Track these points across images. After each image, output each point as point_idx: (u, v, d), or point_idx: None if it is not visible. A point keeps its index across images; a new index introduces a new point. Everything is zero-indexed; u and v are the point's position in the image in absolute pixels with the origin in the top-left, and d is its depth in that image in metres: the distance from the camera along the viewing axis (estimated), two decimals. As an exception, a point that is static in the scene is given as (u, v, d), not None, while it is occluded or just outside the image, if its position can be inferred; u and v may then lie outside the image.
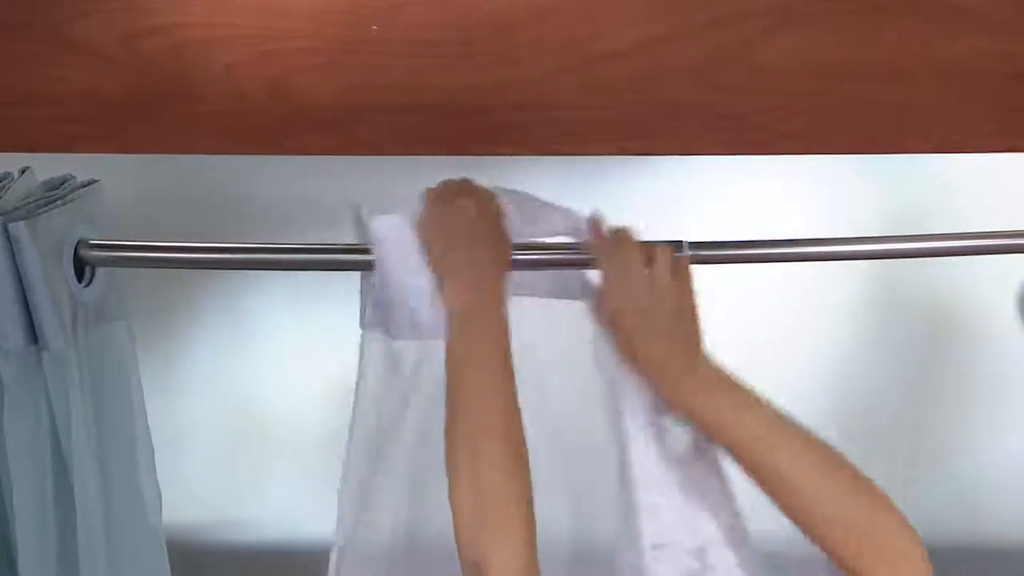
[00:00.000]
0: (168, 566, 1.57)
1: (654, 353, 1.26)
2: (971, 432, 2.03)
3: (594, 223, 1.33)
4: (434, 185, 1.36)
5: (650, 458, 1.32)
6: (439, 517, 1.26)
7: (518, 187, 1.52)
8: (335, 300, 1.56)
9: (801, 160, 1.48)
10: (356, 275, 1.50)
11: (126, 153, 1.48)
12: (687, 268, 1.29)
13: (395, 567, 1.42)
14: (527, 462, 1.22)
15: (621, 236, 1.31)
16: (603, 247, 1.31)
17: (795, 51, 1.41)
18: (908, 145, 1.47)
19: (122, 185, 1.55)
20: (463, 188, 1.35)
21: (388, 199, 1.38)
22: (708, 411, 1.25)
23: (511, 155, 1.44)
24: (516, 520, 1.19)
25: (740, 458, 1.25)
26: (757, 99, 1.42)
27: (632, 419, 1.32)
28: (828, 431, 1.63)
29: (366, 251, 1.51)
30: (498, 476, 1.19)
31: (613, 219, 1.81)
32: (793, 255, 1.52)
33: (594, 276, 1.32)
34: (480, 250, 1.29)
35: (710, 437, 1.27)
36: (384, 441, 1.38)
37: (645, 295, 1.26)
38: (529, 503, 1.21)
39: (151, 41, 1.43)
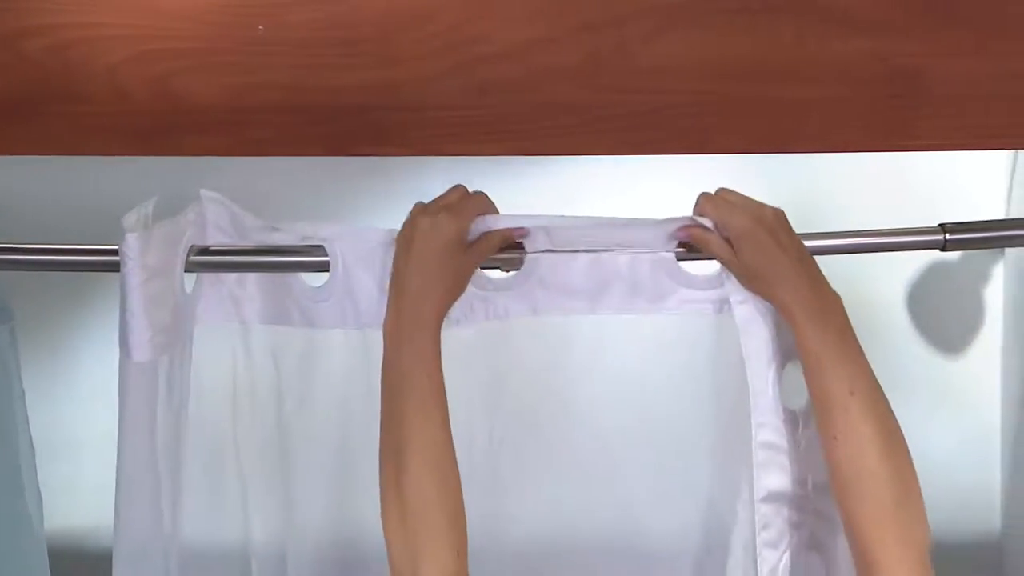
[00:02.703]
0: (49, 572, 1.56)
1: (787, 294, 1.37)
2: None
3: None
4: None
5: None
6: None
7: (406, 189, 1.52)
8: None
9: (695, 160, 1.47)
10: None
11: (8, 154, 1.45)
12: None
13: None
14: (454, 475, 1.25)
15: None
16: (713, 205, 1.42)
17: (682, 51, 1.41)
18: (797, 144, 1.48)
19: (5, 186, 1.53)
20: (449, 203, 1.38)
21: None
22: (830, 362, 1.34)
23: (397, 155, 1.43)
24: (443, 530, 1.20)
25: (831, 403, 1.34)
26: (643, 99, 1.42)
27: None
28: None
29: (259, 252, 1.51)
30: (423, 488, 1.22)
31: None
32: (683, 255, 1.52)
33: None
34: (430, 278, 1.31)
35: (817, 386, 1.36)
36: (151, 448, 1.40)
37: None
38: (456, 513, 1.23)
39: (31, 41, 1.40)
